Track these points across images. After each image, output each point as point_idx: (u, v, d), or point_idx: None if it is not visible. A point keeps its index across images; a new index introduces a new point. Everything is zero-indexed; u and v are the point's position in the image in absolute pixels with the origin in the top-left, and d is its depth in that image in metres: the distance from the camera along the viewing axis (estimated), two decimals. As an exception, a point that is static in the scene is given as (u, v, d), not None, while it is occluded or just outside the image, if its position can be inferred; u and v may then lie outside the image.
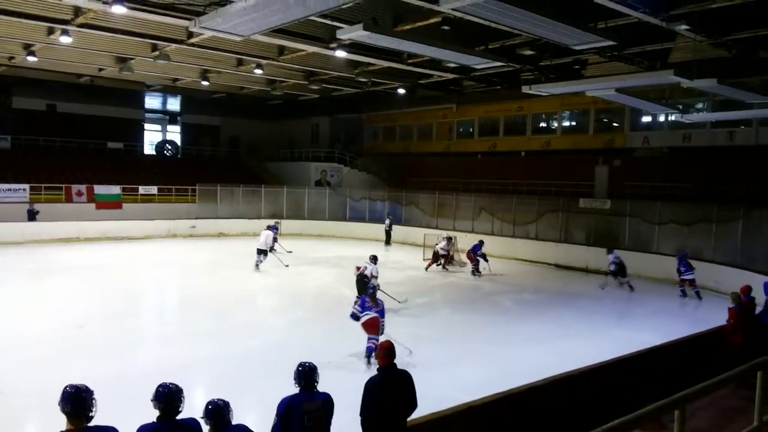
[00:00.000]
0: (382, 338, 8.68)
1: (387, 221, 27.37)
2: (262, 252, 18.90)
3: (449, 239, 20.66)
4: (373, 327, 9.65)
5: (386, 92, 28.57)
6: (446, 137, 31.94)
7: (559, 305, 15.65)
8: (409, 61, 20.29)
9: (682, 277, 16.59)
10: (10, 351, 10.05)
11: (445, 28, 14.84)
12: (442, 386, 7.88)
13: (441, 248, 20.19)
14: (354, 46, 17.81)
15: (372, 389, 4.81)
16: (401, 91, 27.28)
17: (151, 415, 3.85)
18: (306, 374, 4.50)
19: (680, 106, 19.49)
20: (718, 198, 19.38)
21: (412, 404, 5.01)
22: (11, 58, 23.14)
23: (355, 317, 10.91)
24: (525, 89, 16.64)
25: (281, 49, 20.75)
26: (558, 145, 26.75)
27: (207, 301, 14.61)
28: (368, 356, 9.55)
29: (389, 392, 4.83)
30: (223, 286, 16.55)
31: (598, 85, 15.72)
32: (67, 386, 3.60)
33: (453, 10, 9.93)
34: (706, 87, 14.81)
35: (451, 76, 22.86)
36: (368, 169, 34.40)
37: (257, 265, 18.78)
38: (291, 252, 20.85)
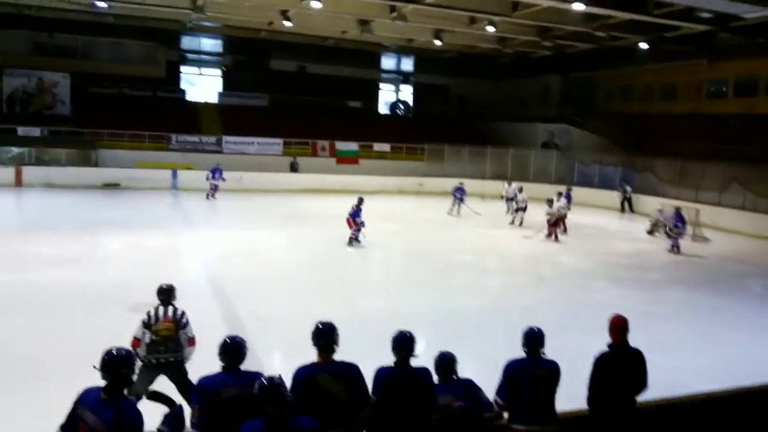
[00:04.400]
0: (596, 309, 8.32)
1: (623, 188, 25.59)
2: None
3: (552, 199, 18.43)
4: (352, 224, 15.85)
5: (624, 48, 26.46)
6: (693, 97, 28.58)
7: (826, 296, 13.39)
8: (656, 11, 18.50)
9: (677, 229, 16.93)
10: (261, 284, 11.72)
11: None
12: (672, 370, 7.27)
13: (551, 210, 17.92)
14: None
15: (602, 365, 4.64)
16: (643, 45, 25.03)
17: (385, 354, 4.14)
18: (534, 339, 4.49)
19: None
20: None
21: (642, 384, 4.74)
22: (270, 23, 25.95)
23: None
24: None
25: (515, 5, 20.34)
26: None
27: (430, 256, 15.43)
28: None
29: (619, 370, 4.62)
30: (445, 243, 17.13)
31: None
32: (318, 323, 4.03)
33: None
34: None
35: (703, 27, 20.35)
36: (600, 131, 32.28)
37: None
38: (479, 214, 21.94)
